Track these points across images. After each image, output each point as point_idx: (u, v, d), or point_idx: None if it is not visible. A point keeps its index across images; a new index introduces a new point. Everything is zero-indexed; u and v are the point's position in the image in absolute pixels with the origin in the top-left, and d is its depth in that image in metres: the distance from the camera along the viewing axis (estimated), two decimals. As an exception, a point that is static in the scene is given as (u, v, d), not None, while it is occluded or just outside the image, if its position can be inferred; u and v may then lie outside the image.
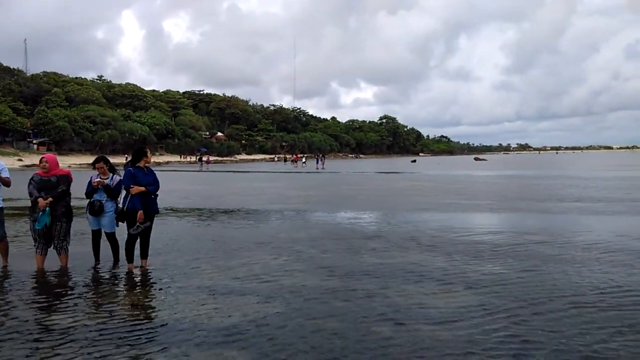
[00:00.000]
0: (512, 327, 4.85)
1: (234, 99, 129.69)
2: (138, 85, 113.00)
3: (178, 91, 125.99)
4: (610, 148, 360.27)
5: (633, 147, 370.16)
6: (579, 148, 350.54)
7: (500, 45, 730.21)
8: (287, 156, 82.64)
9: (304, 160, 69.72)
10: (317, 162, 60.80)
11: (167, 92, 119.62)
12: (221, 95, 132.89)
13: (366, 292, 6.05)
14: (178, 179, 33.59)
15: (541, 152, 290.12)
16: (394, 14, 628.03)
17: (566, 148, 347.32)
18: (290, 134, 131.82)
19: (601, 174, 36.85)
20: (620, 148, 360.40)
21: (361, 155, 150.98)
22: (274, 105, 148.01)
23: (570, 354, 4.20)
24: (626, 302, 5.62)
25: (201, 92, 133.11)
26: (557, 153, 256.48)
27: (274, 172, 46.80)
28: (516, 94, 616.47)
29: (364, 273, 7.01)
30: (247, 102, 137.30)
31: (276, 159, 71.48)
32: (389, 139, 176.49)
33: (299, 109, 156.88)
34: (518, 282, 6.49)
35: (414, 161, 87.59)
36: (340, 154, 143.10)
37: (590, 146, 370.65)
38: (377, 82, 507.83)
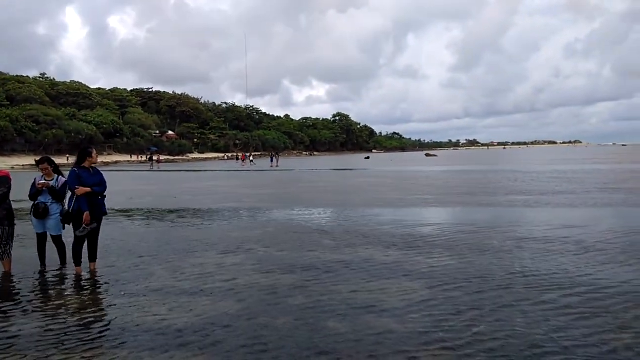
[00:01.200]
0: (463, 317, 4.99)
1: (184, 97, 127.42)
2: (83, 83, 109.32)
3: (126, 89, 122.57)
4: (554, 143, 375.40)
5: (575, 142, 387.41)
6: (525, 143, 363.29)
7: (447, 44, 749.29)
8: (239, 154, 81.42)
9: (251, 158, 68.62)
10: (272, 160, 60.52)
11: (114, 90, 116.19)
12: (171, 93, 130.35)
13: (320, 289, 6.08)
14: (128, 179, 32.72)
15: (490, 147, 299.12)
16: (343, 13, 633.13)
17: (512, 143, 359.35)
18: (243, 132, 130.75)
19: (545, 168, 38.37)
20: (563, 143, 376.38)
21: (315, 153, 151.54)
22: (226, 103, 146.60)
23: (520, 344, 4.37)
24: (610, 303, 5.89)
25: (150, 90, 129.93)
26: (504, 148, 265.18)
27: (227, 170, 46.31)
28: (463, 91, 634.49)
29: (317, 269, 7.04)
30: (198, 100, 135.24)
31: (226, 157, 69.15)
32: (343, 136, 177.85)
33: (252, 106, 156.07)
34: (468, 273, 6.67)
35: (368, 158, 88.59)
36: (295, 152, 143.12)
37: (535, 141, 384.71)
38: (329, 80, 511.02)
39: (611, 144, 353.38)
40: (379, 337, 4.51)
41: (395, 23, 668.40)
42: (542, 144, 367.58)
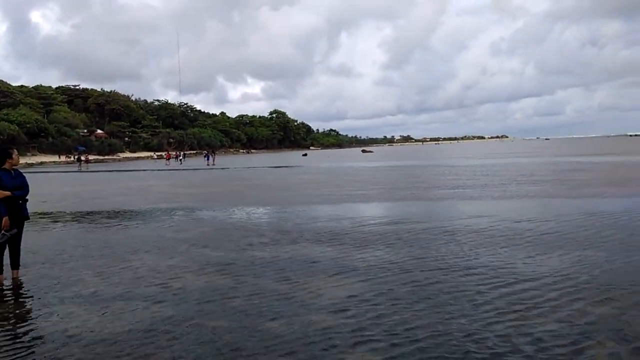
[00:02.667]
0: (400, 312, 5.08)
1: (114, 94, 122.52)
2: (4, 80, 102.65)
3: (50, 86, 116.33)
4: (482, 138, 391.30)
5: (502, 137, 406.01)
6: (455, 139, 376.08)
7: (379, 42, 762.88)
8: (172, 153, 78.88)
9: (180, 157, 66.53)
10: (207, 159, 59.37)
11: (37, 88, 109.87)
12: (99, 90, 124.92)
13: (258, 288, 6.02)
14: (54, 181, 31.11)
15: (424, 143, 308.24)
16: (277, 10, 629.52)
17: (444, 139, 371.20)
18: (177, 130, 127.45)
19: (478, 162, 39.95)
20: (491, 138, 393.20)
21: (252, 150, 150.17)
22: (158, 100, 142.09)
23: (450, 336, 4.49)
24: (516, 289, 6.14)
25: (77, 88, 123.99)
26: (437, 144, 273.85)
27: (160, 170, 45.03)
28: (396, 88, 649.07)
29: (255, 269, 6.97)
30: (129, 97, 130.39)
31: (155, 156, 65.80)
32: (280, 133, 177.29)
33: (186, 104, 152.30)
34: (405, 268, 6.81)
35: (305, 155, 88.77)
36: (232, 150, 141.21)
37: (465, 136, 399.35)
38: (264, 77, 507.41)
39: (535, 138, 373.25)
40: (317, 335, 4.51)
41: (329, 21, 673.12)
42: (472, 139, 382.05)
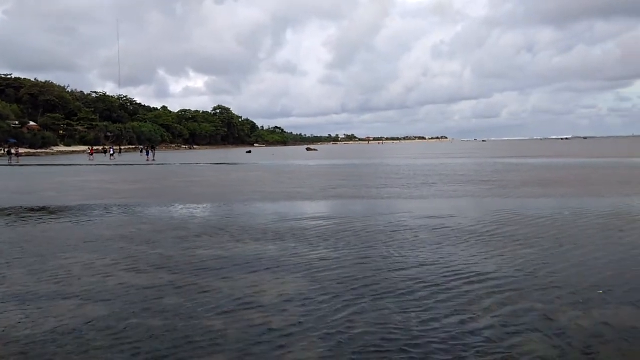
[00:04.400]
0: (343, 309, 5.14)
1: (48, 85, 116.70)
2: None
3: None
4: (423, 138, 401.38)
5: (442, 138, 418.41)
6: (398, 139, 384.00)
7: (323, 41, 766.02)
8: (107, 147, 75.68)
9: (112, 152, 63.66)
10: (147, 154, 57.79)
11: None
12: (33, 80, 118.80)
13: (198, 287, 5.93)
14: (-20, 175, 29.33)
15: (370, 142, 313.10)
16: (221, 4, 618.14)
17: (387, 138, 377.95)
18: (116, 123, 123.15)
19: (421, 161, 40.94)
20: (432, 138, 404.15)
21: (195, 146, 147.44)
22: (96, 92, 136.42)
23: (389, 330, 4.59)
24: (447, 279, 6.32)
25: (8, 77, 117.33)
26: (380, 143, 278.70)
27: (98, 164, 43.39)
28: (340, 88, 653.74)
29: (196, 267, 6.86)
30: (64, 88, 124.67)
31: (89, 150, 62.61)
32: (224, 129, 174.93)
33: (125, 97, 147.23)
34: (345, 264, 6.89)
35: (249, 152, 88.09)
36: (173, 145, 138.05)
37: (407, 137, 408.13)
38: (208, 72, 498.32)
39: (473, 139, 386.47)
40: (259, 333, 4.50)
41: (274, 18, 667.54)
42: (413, 139, 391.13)
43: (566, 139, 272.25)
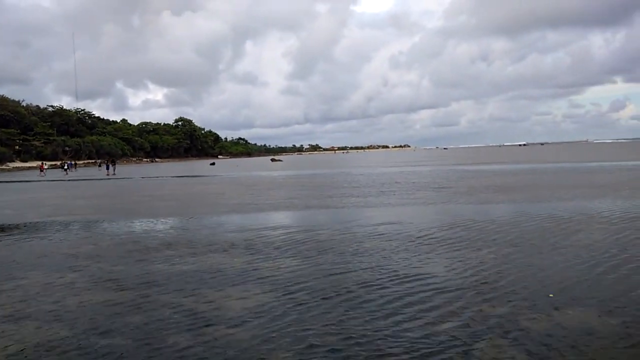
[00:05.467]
0: (307, 320, 5.15)
1: (2, 99, 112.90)
2: None
3: None
4: (386, 147, 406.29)
5: (404, 146, 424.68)
6: (362, 148, 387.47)
7: (283, 52, 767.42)
8: (65, 162, 73.44)
9: (66, 167, 61.74)
10: (107, 168, 56.49)
11: None
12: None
13: (160, 303, 5.84)
14: None
15: (336, 152, 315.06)
16: (179, 15, 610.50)
17: (351, 148, 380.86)
18: (74, 137, 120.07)
19: (386, 170, 41.38)
20: (395, 147, 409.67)
21: (157, 159, 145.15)
22: (52, 106, 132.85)
23: (356, 341, 4.63)
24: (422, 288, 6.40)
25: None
26: (345, 153, 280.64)
27: (54, 180, 42.17)
28: (302, 98, 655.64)
29: (158, 283, 6.75)
30: (19, 102, 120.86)
31: (46, 166, 60.52)
32: (187, 141, 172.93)
33: (83, 110, 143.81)
34: (311, 276, 6.91)
35: (213, 164, 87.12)
36: (134, 159, 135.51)
37: (371, 145, 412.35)
38: (167, 84, 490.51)
39: (435, 147, 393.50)
40: (224, 348, 4.47)
41: (234, 29, 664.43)
42: (377, 148, 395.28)
43: (523, 145, 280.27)
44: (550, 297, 5.59)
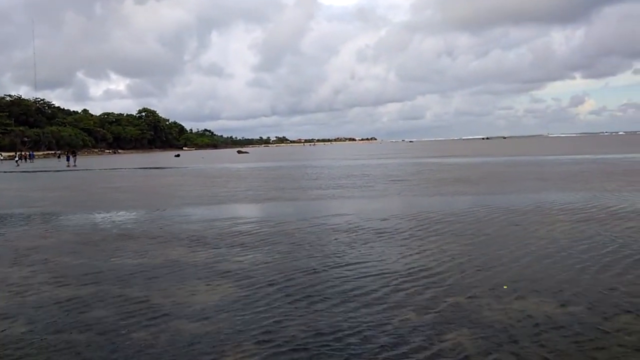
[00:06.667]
0: (272, 313, 5.15)
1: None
2: None
3: None
4: (353, 140, 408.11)
5: (371, 139, 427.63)
6: (329, 140, 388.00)
7: (249, 44, 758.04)
8: (25, 153, 71.03)
9: (17, 158, 59.88)
10: (68, 159, 55.01)
11: None
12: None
13: (123, 298, 5.73)
14: None
15: (305, 144, 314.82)
16: (142, 4, 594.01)
17: (318, 140, 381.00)
18: (33, 128, 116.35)
19: (350, 162, 41.59)
20: (362, 140, 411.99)
21: (120, 151, 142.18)
22: (10, 95, 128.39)
23: (322, 333, 4.66)
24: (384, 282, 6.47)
25: None
26: (313, 145, 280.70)
27: (12, 171, 40.82)
28: (269, 90, 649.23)
29: (121, 277, 6.63)
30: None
31: (2, 156, 58.47)
32: (150, 132, 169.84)
33: (43, 100, 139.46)
34: (277, 268, 6.90)
35: (178, 156, 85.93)
36: (96, 150, 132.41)
37: (338, 138, 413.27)
38: (130, 74, 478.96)
39: (401, 140, 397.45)
40: (189, 342, 4.43)
41: (199, 19, 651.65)
42: (344, 140, 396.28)
43: (487, 138, 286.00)
44: (505, 288, 5.73)
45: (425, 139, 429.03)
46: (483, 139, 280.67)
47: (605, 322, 4.62)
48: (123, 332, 4.67)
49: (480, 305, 5.16)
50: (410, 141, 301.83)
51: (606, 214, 10.57)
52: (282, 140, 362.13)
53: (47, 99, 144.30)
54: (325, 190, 18.21)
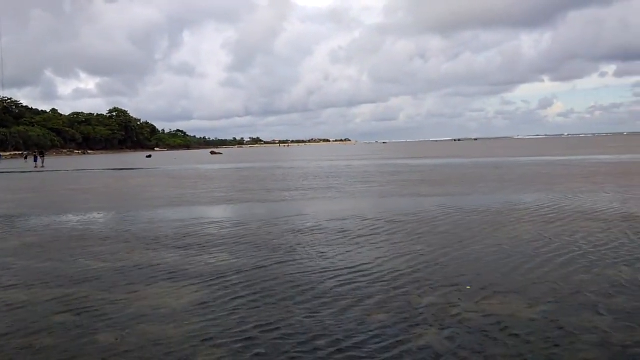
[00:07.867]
0: (245, 315, 5.12)
1: None
2: None
3: None
4: (328, 141, 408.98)
5: (345, 140, 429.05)
6: (303, 141, 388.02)
7: (222, 43, 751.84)
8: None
9: None
10: (35, 160, 53.76)
11: None
12: None
13: (89, 300, 5.63)
14: None
15: (281, 145, 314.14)
16: (113, 2, 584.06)
17: (292, 141, 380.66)
18: (0, 127, 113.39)
19: (324, 164, 41.66)
20: (336, 141, 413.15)
21: (90, 151, 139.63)
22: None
23: (294, 332, 4.66)
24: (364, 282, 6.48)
25: None
26: (287, 146, 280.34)
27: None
28: (242, 90, 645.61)
29: (88, 279, 6.51)
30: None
31: None
32: (121, 133, 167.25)
33: (9, 99, 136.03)
34: (248, 270, 6.86)
35: (150, 156, 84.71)
36: (65, 150, 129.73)
37: (312, 139, 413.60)
38: (100, 73, 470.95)
39: (375, 141, 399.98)
40: (156, 347, 4.37)
41: (170, 18, 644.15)
42: (318, 141, 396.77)
43: (458, 140, 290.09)
44: (468, 288, 5.81)
45: (399, 140, 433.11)
46: (454, 140, 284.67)
47: (570, 320, 4.74)
48: (88, 334, 4.58)
49: (445, 305, 5.23)
50: (384, 142, 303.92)
51: (567, 214, 10.83)
52: (256, 141, 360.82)
53: (14, 98, 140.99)
54: (298, 191, 18.20)
